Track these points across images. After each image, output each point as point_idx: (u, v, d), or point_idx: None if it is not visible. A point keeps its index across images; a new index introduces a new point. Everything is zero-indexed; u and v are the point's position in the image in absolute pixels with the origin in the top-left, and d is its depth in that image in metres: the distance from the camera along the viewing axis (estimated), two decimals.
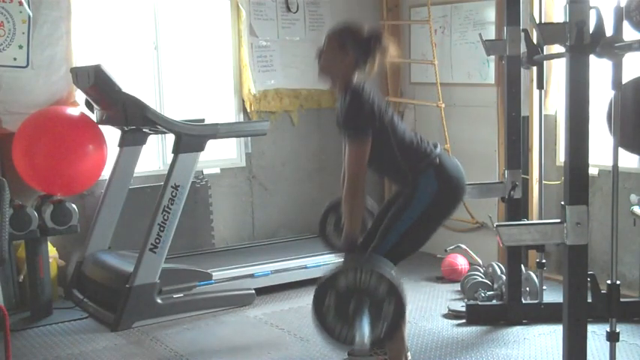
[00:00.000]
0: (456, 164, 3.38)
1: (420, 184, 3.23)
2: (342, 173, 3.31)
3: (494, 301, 4.51)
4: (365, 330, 2.92)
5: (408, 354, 3.60)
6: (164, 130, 4.54)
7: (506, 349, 3.94)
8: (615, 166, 3.13)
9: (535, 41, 4.18)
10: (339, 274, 2.98)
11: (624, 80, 3.12)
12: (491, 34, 5.31)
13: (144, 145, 5.04)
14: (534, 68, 4.30)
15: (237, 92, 5.82)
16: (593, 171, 4.66)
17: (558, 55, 4.09)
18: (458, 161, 3.43)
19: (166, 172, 4.54)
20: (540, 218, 4.63)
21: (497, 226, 2.95)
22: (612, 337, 3.10)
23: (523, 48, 4.15)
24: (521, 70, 4.33)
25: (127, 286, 4.37)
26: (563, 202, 2.85)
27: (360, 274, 2.95)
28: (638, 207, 4.01)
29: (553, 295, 4.52)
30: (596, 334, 3.86)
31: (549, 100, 5.08)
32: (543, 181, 4.54)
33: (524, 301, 4.38)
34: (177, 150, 4.47)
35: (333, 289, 2.96)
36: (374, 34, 3.26)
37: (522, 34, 4.14)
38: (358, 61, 3.23)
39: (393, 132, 3.23)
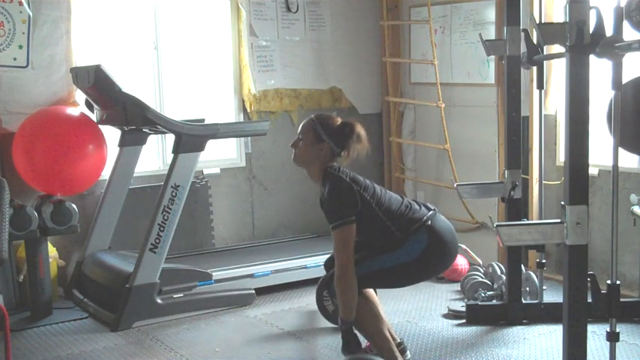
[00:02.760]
0: (448, 228, 3.44)
1: (408, 241, 3.31)
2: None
3: (494, 301, 4.51)
4: None
5: (407, 353, 3.60)
6: (164, 130, 4.54)
7: (506, 349, 3.94)
8: (615, 166, 3.13)
9: (535, 41, 4.17)
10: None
11: (624, 80, 3.12)
12: (491, 34, 5.31)
13: (144, 145, 5.04)
14: (534, 68, 4.30)
15: (237, 92, 5.82)
16: (593, 171, 4.66)
17: (558, 55, 4.08)
18: (450, 225, 3.49)
19: (166, 172, 4.54)
20: (540, 218, 4.63)
21: (497, 226, 2.95)
22: (612, 337, 3.10)
23: (523, 48, 4.14)
24: (521, 70, 4.33)
25: (127, 286, 4.37)
26: (563, 202, 2.86)
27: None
28: (638, 207, 4.01)
29: (553, 295, 4.52)
30: (596, 334, 3.86)
31: (549, 100, 5.08)
32: (543, 181, 4.53)
33: (524, 301, 4.38)
34: (177, 150, 4.47)
35: None
36: (347, 122, 3.38)
37: (522, 34, 4.14)
38: (334, 150, 3.35)
39: (378, 205, 3.32)
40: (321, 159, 3.37)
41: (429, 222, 3.34)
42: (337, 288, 3.24)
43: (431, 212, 3.39)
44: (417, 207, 3.40)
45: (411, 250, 3.31)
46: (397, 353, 3.43)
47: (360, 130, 3.38)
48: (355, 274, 3.25)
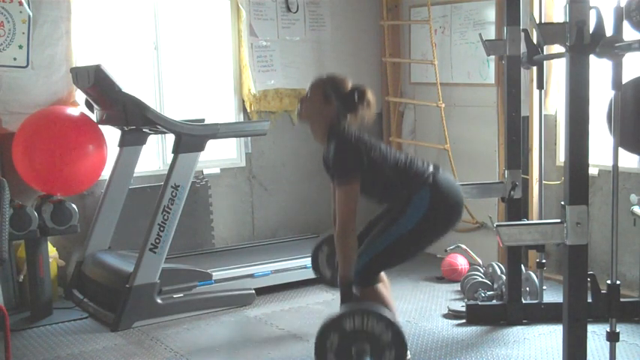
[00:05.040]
0: (452, 184, 3.41)
1: (412, 201, 3.27)
2: (333, 211, 3.36)
3: (494, 301, 4.51)
4: None
5: (407, 353, 3.60)
6: (164, 130, 4.54)
7: (506, 349, 3.94)
8: (615, 166, 3.13)
9: (535, 41, 4.17)
10: (343, 319, 3.03)
11: (624, 80, 3.12)
12: (491, 34, 5.31)
13: (144, 145, 5.04)
14: (534, 68, 4.30)
15: (237, 92, 5.82)
16: (593, 171, 4.66)
17: (558, 55, 4.08)
18: (455, 181, 3.46)
19: (166, 172, 4.54)
20: (540, 218, 4.63)
21: (497, 226, 2.95)
22: (612, 337, 3.11)
23: (523, 48, 4.15)
24: (521, 70, 4.33)
25: (127, 286, 4.37)
26: (563, 202, 2.86)
27: (363, 321, 3.02)
28: (638, 207, 4.01)
29: (553, 295, 4.52)
30: (596, 334, 3.86)
31: (549, 100, 5.08)
32: (543, 181, 4.53)
33: (524, 301, 4.38)
34: (177, 150, 4.47)
35: (336, 332, 3.02)
36: (358, 87, 3.36)
37: (522, 34, 4.14)
38: (339, 112, 3.32)
39: (384, 162, 3.30)
40: (326, 119, 3.33)
41: (431, 179, 3.30)
42: (338, 243, 3.21)
43: (433, 169, 3.36)
44: (420, 163, 3.37)
45: (412, 215, 3.27)
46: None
47: (371, 96, 3.35)
48: (364, 261, 3.23)
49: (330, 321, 3.05)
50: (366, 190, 3.28)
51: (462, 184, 4.55)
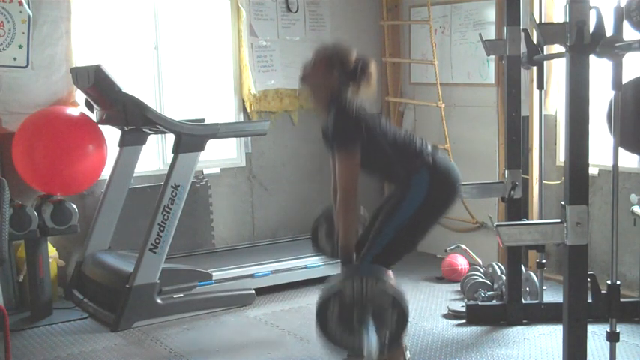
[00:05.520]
0: (450, 165, 3.38)
1: (412, 184, 3.24)
2: (333, 186, 3.34)
3: (494, 301, 4.51)
4: (372, 339, 2.96)
5: (407, 352, 3.60)
6: (164, 130, 4.54)
7: (506, 349, 3.94)
8: (615, 166, 3.14)
9: (535, 41, 4.17)
10: (343, 285, 3.01)
11: (624, 80, 3.12)
12: (491, 34, 5.31)
13: (144, 145, 5.03)
14: (534, 68, 4.30)
15: (237, 92, 5.82)
16: (593, 171, 4.66)
17: (558, 55, 4.08)
18: (453, 162, 3.44)
19: (166, 172, 4.54)
20: (540, 218, 4.63)
21: (497, 226, 2.95)
22: (612, 337, 3.11)
23: (523, 48, 4.15)
24: (521, 70, 4.34)
25: (127, 286, 4.37)
26: (563, 202, 2.86)
27: (363, 285, 2.99)
28: (638, 207, 4.01)
29: (553, 295, 4.52)
30: (596, 334, 3.86)
31: (549, 100, 5.08)
32: (543, 181, 4.53)
33: (524, 301, 4.38)
34: (177, 150, 4.47)
35: (337, 299, 3.00)
36: (362, 59, 3.31)
37: (522, 34, 4.14)
38: (342, 83, 3.27)
39: (383, 137, 3.26)
40: (327, 88, 3.28)
41: (431, 159, 3.28)
42: (340, 212, 3.17)
43: (432, 150, 3.33)
44: (419, 142, 3.34)
45: (413, 200, 3.23)
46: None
47: (373, 70, 3.31)
48: (373, 255, 3.20)
49: (330, 289, 3.03)
50: (366, 166, 3.22)
51: (462, 184, 4.57)
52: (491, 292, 4.59)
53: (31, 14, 4.78)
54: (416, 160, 3.26)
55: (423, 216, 3.27)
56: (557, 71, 5.01)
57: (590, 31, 2.79)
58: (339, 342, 3.06)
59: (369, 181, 3.29)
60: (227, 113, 5.78)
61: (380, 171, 3.39)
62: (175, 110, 5.35)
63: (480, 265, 5.07)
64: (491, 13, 5.41)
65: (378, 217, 3.36)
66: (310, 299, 4.86)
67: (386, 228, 3.25)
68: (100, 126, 4.80)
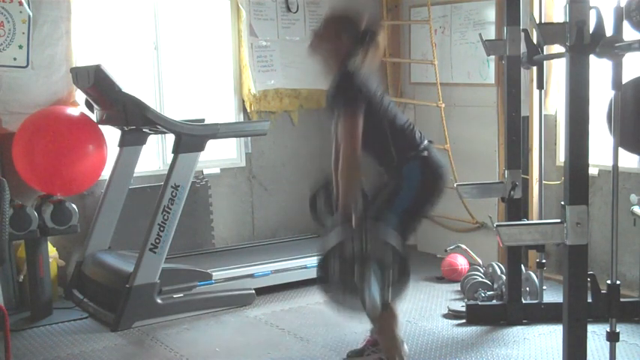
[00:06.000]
0: (442, 163, 3.41)
1: (404, 173, 3.26)
2: (334, 155, 3.34)
3: (494, 301, 4.51)
4: (374, 293, 2.98)
5: (405, 346, 3.60)
6: (164, 130, 4.54)
7: (506, 349, 3.94)
8: (615, 166, 3.13)
9: (535, 41, 4.17)
10: (343, 241, 3.01)
11: (624, 80, 3.12)
12: (491, 34, 5.31)
13: (144, 145, 5.03)
14: (534, 68, 4.30)
15: (237, 92, 5.82)
16: (593, 171, 4.66)
17: (558, 55, 4.08)
18: (441, 157, 3.47)
19: (166, 172, 4.54)
20: (540, 218, 4.63)
21: (497, 226, 2.95)
22: (612, 337, 3.10)
23: (523, 48, 4.15)
24: (521, 70, 4.33)
25: (127, 286, 4.37)
26: (563, 202, 2.86)
27: (363, 240, 2.99)
28: (638, 207, 4.01)
29: (553, 295, 4.52)
30: (596, 334, 3.86)
31: (549, 100, 5.08)
32: (543, 181, 4.53)
33: (524, 301, 4.38)
34: (177, 150, 4.47)
35: (337, 256, 3.00)
36: (371, 27, 3.29)
37: (522, 34, 4.14)
38: (350, 50, 3.25)
39: (385, 115, 3.27)
40: (336, 55, 3.28)
41: (425, 153, 3.30)
42: (342, 172, 3.17)
43: (429, 145, 3.36)
44: (418, 134, 3.36)
45: (409, 187, 3.26)
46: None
47: (381, 39, 3.32)
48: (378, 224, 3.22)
49: (330, 245, 3.03)
50: (362, 142, 3.20)
51: (462, 184, 4.58)
52: (491, 292, 4.59)
53: (31, 14, 4.78)
54: (411, 150, 3.28)
55: (416, 207, 3.30)
56: (557, 71, 5.01)
57: (590, 31, 2.79)
58: (341, 300, 3.07)
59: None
60: (227, 113, 5.78)
61: (374, 151, 3.36)
62: (175, 110, 5.35)
63: (480, 265, 5.07)
64: (491, 13, 5.41)
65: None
66: (310, 299, 4.87)
67: (387, 217, 3.26)
68: (100, 126, 4.80)
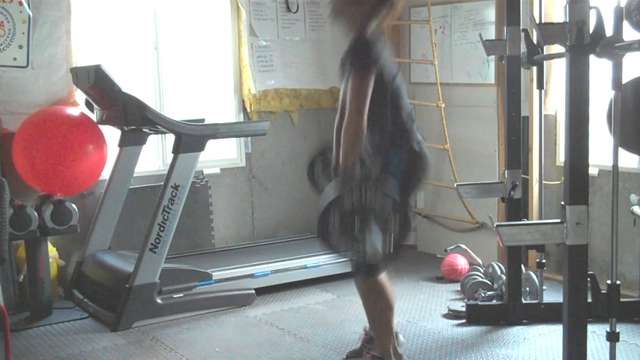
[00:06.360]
0: (429, 158, 3.43)
1: (390, 158, 3.25)
2: (337, 120, 3.34)
3: (494, 301, 4.51)
4: (376, 242, 2.99)
5: (400, 336, 3.61)
6: (164, 130, 4.54)
7: (506, 349, 3.94)
8: (615, 166, 3.13)
9: (535, 41, 4.17)
10: (342, 193, 3.01)
11: (624, 80, 3.12)
12: (491, 34, 5.31)
13: (144, 145, 5.04)
14: (534, 68, 4.30)
15: (237, 92, 5.82)
16: (593, 171, 4.66)
17: (558, 55, 4.08)
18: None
19: (166, 172, 4.54)
20: (540, 218, 4.63)
21: (497, 226, 2.95)
22: (612, 337, 3.10)
23: (523, 48, 4.15)
24: (521, 70, 4.33)
25: (127, 286, 4.37)
26: (563, 202, 2.86)
27: (362, 191, 2.99)
28: (638, 207, 4.01)
29: (553, 295, 4.52)
30: (596, 334, 3.86)
31: (549, 100, 5.08)
32: (543, 181, 4.53)
33: (524, 301, 4.38)
34: (177, 150, 4.47)
35: (337, 208, 3.00)
36: None
37: (522, 34, 4.14)
38: (371, 12, 3.25)
39: (392, 92, 3.28)
40: (355, 16, 3.28)
41: (417, 147, 3.31)
42: (346, 131, 3.16)
43: (422, 139, 3.38)
44: (415, 127, 3.39)
45: (392, 175, 3.26)
46: (392, 351, 3.44)
47: (400, 2, 3.32)
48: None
49: (329, 198, 3.03)
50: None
51: (462, 184, 4.59)
52: (492, 292, 4.59)
53: (31, 14, 4.78)
54: (404, 138, 3.28)
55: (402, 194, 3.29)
56: (557, 71, 5.01)
57: (590, 31, 2.79)
58: (343, 252, 3.08)
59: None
60: (227, 113, 5.78)
61: (369, 123, 3.30)
62: (175, 110, 5.35)
63: (480, 265, 5.07)
64: (491, 13, 5.41)
65: None
66: (310, 299, 4.87)
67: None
68: (100, 126, 4.80)
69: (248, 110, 5.78)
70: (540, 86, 4.27)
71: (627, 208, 4.06)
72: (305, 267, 5.10)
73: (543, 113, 4.55)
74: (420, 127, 3.53)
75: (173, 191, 4.45)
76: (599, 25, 2.82)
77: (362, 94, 3.14)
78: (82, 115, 4.81)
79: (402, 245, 3.17)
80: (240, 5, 5.68)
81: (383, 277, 3.39)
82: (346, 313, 4.57)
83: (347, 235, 3.04)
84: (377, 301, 3.41)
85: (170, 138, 4.92)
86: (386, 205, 3.01)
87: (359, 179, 3.08)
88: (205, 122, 4.97)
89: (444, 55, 5.78)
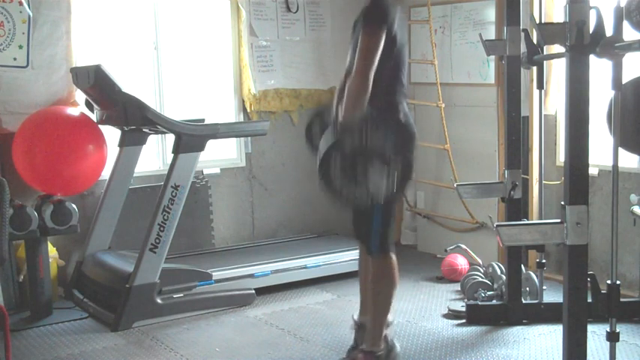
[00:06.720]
0: (414, 127, 3.41)
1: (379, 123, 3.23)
2: (341, 80, 3.35)
3: (494, 301, 4.51)
4: (379, 182, 3.00)
5: (391, 315, 3.62)
6: (164, 130, 4.54)
7: (506, 349, 3.94)
8: (615, 166, 3.13)
9: (535, 41, 4.18)
10: (342, 138, 3.02)
11: (624, 80, 3.12)
12: (491, 34, 5.31)
13: (144, 145, 5.04)
14: (534, 68, 4.30)
15: (237, 92, 5.82)
16: (593, 171, 4.66)
17: (558, 55, 4.09)
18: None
19: (166, 172, 4.54)
20: (540, 218, 4.63)
21: (497, 226, 2.95)
22: (612, 337, 3.10)
23: (523, 48, 4.15)
24: (521, 70, 4.33)
25: (127, 286, 4.37)
26: (563, 202, 2.86)
27: (363, 134, 2.99)
28: (638, 207, 4.01)
29: (553, 295, 4.52)
30: (596, 334, 3.86)
31: (549, 100, 5.08)
32: (543, 181, 4.53)
33: (524, 301, 4.38)
34: (177, 150, 4.48)
35: (338, 152, 3.01)
36: None
37: (522, 34, 4.14)
38: None
39: (395, 56, 3.27)
40: None
41: (402, 118, 3.31)
42: (353, 84, 3.16)
43: (408, 112, 3.39)
44: (405, 102, 3.39)
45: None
46: (383, 335, 3.49)
47: None
48: (377, 234, 3.28)
49: (330, 143, 3.04)
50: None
51: (462, 184, 4.59)
52: (492, 292, 4.59)
53: (31, 14, 4.78)
54: (393, 108, 3.28)
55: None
56: (557, 71, 5.01)
57: (590, 31, 2.79)
58: (345, 197, 3.08)
59: None
60: (227, 113, 5.78)
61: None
62: (175, 110, 5.35)
63: (480, 265, 5.07)
64: (491, 13, 5.41)
65: None
66: (310, 299, 4.87)
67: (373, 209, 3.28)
68: (100, 126, 4.80)
69: (248, 110, 5.78)
70: (540, 86, 4.27)
71: (627, 208, 4.06)
72: (305, 267, 5.10)
73: (543, 113, 4.55)
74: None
75: (173, 191, 4.45)
76: (599, 25, 2.82)
77: (372, 48, 3.16)
78: (82, 115, 4.81)
79: (406, 184, 3.15)
80: (240, 5, 5.68)
81: (394, 257, 3.43)
82: (346, 313, 4.56)
83: (349, 177, 3.03)
84: (387, 285, 3.45)
85: (170, 138, 4.92)
86: (387, 148, 3.01)
87: (360, 124, 3.07)
88: (205, 122, 4.97)
89: (444, 55, 5.78)
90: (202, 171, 5.58)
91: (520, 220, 4.29)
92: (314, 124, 3.79)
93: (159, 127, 4.48)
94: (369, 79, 3.16)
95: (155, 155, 5.49)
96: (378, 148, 3.02)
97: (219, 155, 5.68)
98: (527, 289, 4.48)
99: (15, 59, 4.77)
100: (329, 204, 3.24)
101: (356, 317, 3.75)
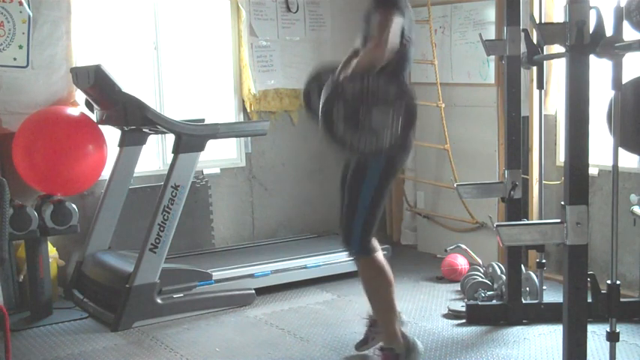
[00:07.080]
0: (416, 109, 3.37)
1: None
2: (348, 56, 3.42)
3: (494, 301, 4.51)
4: (381, 129, 2.98)
5: (402, 316, 3.62)
6: (164, 130, 4.54)
7: (506, 349, 3.94)
8: (615, 166, 3.13)
9: (535, 41, 4.18)
10: (344, 83, 3.01)
11: (624, 80, 3.12)
12: (491, 34, 5.31)
13: (144, 145, 5.04)
14: (534, 68, 4.30)
15: (237, 92, 5.82)
16: (593, 171, 4.66)
17: (558, 55, 4.09)
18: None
19: (166, 172, 4.54)
20: (540, 218, 4.63)
21: (497, 226, 2.95)
22: (612, 337, 3.10)
23: (523, 48, 4.15)
24: (521, 70, 4.33)
25: (127, 286, 4.37)
26: (563, 202, 2.86)
27: (365, 80, 2.99)
28: (638, 207, 4.01)
29: (553, 295, 4.52)
30: (596, 334, 3.86)
31: (549, 100, 5.08)
32: (543, 181, 4.53)
33: (524, 301, 4.38)
34: (177, 150, 4.47)
35: (341, 97, 2.99)
36: None
37: (522, 34, 4.14)
38: None
39: (399, 50, 3.27)
40: None
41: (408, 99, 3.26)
42: (366, 53, 3.16)
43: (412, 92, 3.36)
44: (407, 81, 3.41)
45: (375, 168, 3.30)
46: (399, 332, 3.49)
47: None
48: (358, 231, 3.30)
49: (332, 88, 3.02)
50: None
51: (462, 184, 4.59)
52: (492, 292, 4.59)
53: (31, 14, 4.78)
54: (398, 90, 3.23)
55: (389, 170, 3.36)
56: (557, 71, 5.01)
57: (590, 31, 2.79)
58: (348, 143, 3.05)
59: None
60: (227, 113, 5.78)
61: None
62: (175, 110, 5.35)
63: (480, 265, 5.07)
64: (491, 13, 5.41)
65: (345, 181, 3.44)
66: (310, 299, 4.87)
67: (360, 196, 3.33)
68: (100, 126, 4.80)
69: (248, 110, 5.78)
70: (540, 86, 4.27)
71: (627, 208, 4.06)
72: (305, 267, 5.10)
73: (543, 113, 4.55)
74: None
75: (173, 191, 4.45)
76: (599, 25, 2.83)
77: (388, 28, 3.13)
78: (82, 115, 4.81)
79: (409, 132, 3.14)
80: (240, 5, 5.68)
81: (380, 255, 3.45)
82: (346, 313, 4.57)
83: (353, 122, 3.00)
84: (381, 284, 3.45)
85: (170, 138, 4.92)
86: (390, 92, 2.99)
87: (363, 75, 3.06)
88: (205, 122, 4.97)
89: (444, 55, 5.78)
90: (202, 171, 5.58)
91: (520, 220, 4.29)
92: (312, 90, 3.75)
93: (159, 127, 4.49)
94: (384, 51, 3.12)
95: (155, 155, 5.49)
96: (382, 93, 2.99)
97: (219, 155, 5.68)
98: (527, 289, 4.48)
99: (15, 59, 4.77)
100: (332, 154, 3.18)
101: (370, 312, 3.76)
